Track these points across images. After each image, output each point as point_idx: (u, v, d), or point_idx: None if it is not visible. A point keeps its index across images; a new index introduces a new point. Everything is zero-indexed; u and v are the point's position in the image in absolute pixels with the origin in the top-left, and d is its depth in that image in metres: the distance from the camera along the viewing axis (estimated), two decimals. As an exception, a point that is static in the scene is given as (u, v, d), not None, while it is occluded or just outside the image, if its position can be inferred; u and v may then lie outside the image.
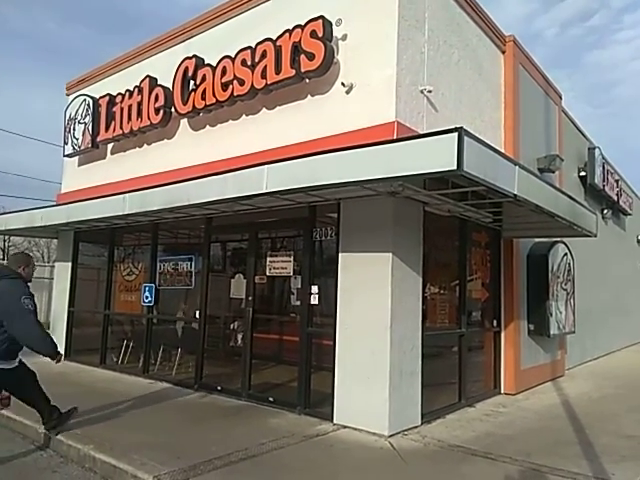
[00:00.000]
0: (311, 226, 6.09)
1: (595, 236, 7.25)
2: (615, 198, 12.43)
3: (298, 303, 6.15)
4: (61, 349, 9.50)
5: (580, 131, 11.05)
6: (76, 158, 9.71)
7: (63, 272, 9.92)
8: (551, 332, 8.02)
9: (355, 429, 5.25)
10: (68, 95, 10.04)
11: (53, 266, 13.89)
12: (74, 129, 9.40)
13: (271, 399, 6.15)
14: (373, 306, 5.33)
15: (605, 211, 12.08)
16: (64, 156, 9.83)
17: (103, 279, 9.09)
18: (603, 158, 11.42)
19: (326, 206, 5.84)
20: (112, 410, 5.83)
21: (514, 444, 4.99)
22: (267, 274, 6.55)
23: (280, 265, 6.42)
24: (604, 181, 11.45)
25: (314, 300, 5.93)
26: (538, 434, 5.44)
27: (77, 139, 9.32)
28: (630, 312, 15.10)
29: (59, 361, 4.70)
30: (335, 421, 5.46)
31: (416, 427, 5.45)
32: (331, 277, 5.76)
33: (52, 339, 4.63)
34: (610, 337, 12.76)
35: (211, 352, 7.24)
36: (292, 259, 6.33)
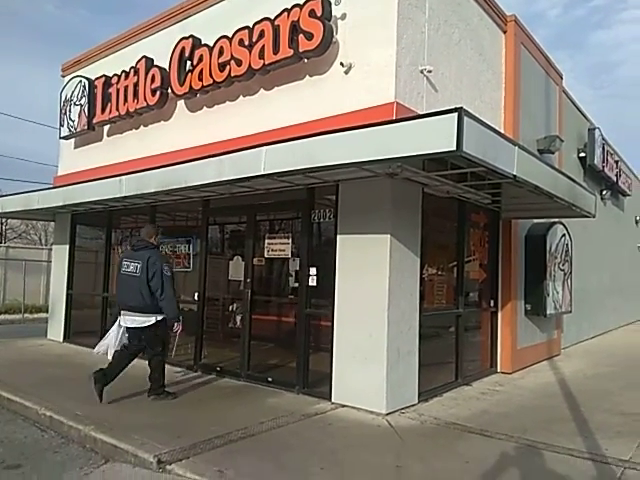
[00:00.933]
0: (309, 208, 6.08)
1: (594, 217, 7.25)
2: (614, 179, 12.42)
3: (296, 285, 6.18)
4: (60, 332, 9.64)
5: (580, 112, 10.98)
6: (72, 140, 9.64)
7: (61, 255, 9.93)
8: (547, 312, 8.09)
9: (353, 408, 5.32)
10: (64, 76, 9.92)
11: (51, 249, 13.91)
12: (70, 111, 9.31)
13: (270, 379, 6.21)
14: (371, 287, 5.35)
15: (604, 192, 12.08)
16: (60, 138, 9.75)
17: (101, 261, 9.10)
18: (603, 139, 11.37)
19: (324, 188, 5.82)
20: (112, 391, 5.88)
21: (510, 421, 5.07)
22: (265, 256, 6.56)
23: (278, 247, 6.43)
24: (604, 162, 11.42)
25: (312, 282, 5.94)
26: (533, 411, 5.52)
27: (73, 121, 9.23)
28: (627, 292, 15.21)
29: (177, 329, 5.48)
30: (333, 400, 5.53)
31: (413, 405, 5.52)
32: (329, 259, 5.76)
33: (178, 306, 5.52)
34: (606, 317, 12.88)
35: (210, 334, 7.28)
36: (290, 241, 6.33)
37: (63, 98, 9.52)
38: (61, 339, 9.55)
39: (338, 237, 5.69)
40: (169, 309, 5.38)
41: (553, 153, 8.35)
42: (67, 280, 9.67)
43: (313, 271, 5.95)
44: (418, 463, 3.99)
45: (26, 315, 14.45)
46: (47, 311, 11.17)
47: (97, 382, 5.31)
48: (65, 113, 9.45)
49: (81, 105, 9.00)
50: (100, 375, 5.35)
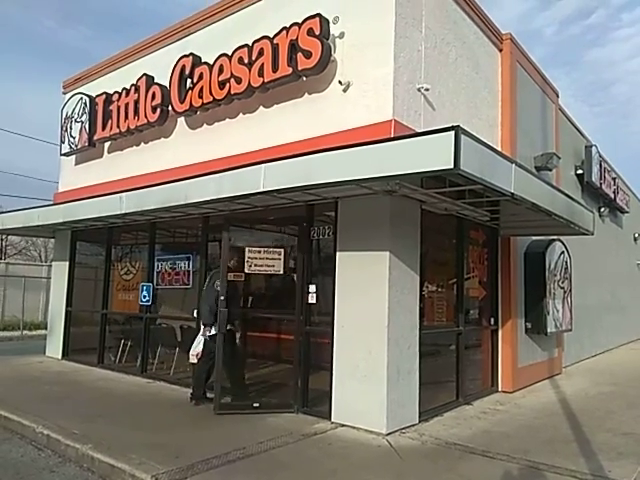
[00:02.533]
0: (309, 225, 6.08)
1: (592, 234, 7.26)
2: (612, 196, 12.46)
3: (295, 302, 6.13)
4: (59, 349, 9.57)
5: (577, 129, 11.06)
6: (73, 157, 9.69)
7: (60, 271, 9.91)
8: (548, 330, 8.04)
9: (353, 427, 5.26)
10: (65, 93, 10.02)
11: (50, 265, 13.89)
12: (71, 128, 9.38)
13: (255, 405, 6.00)
14: (370, 305, 5.33)
15: (602, 209, 12.10)
16: (61, 155, 9.80)
17: (101, 278, 9.08)
18: (600, 156, 11.44)
19: (324, 205, 5.83)
20: (110, 409, 5.83)
21: (511, 442, 5.01)
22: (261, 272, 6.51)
23: (276, 263, 6.38)
24: (601, 179, 11.47)
25: (312, 299, 5.92)
26: (535, 432, 5.45)
27: (74, 138, 9.29)
28: (627, 310, 15.14)
29: (202, 333, 6.16)
30: (333, 419, 5.46)
31: (414, 425, 5.46)
32: (329, 276, 5.75)
33: (213, 315, 5.97)
34: (607, 335, 12.81)
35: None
36: (283, 257, 6.27)
37: (64, 115, 9.60)
38: (60, 356, 9.49)
39: (337, 254, 5.68)
40: (204, 319, 6.10)
41: (550, 170, 8.39)
42: (66, 297, 9.64)
43: (312, 288, 5.93)
44: (418, 484, 3.93)
45: (25, 332, 14.36)
46: (46, 328, 11.11)
47: (196, 398, 6.12)
48: (66, 130, 9.52)
49: (82, 122, 9.07)
50: (196, 394, 6.16)
